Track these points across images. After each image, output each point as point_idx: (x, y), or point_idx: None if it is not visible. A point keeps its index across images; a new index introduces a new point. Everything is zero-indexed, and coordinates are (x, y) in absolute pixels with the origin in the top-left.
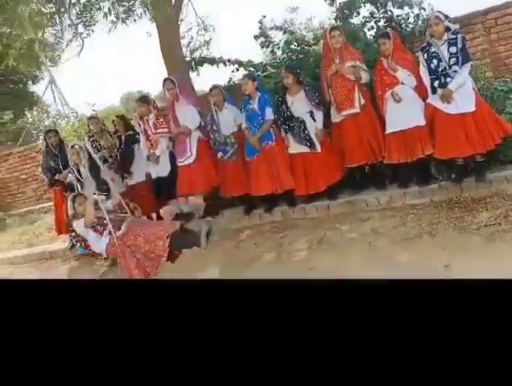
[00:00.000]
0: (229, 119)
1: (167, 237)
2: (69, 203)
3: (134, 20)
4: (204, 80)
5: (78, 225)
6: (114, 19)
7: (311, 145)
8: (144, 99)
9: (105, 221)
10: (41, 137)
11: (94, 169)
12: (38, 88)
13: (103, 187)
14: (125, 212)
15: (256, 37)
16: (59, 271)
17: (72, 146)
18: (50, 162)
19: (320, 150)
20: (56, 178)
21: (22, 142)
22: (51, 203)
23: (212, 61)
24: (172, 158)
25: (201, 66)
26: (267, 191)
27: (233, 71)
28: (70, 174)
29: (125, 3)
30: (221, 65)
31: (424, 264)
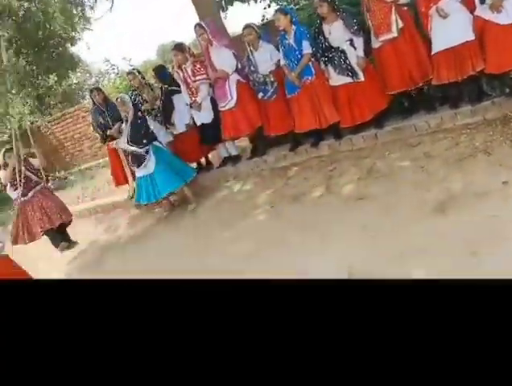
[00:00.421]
0: (265, 57)
1: (41, 231)
2: (0, 155)
3: None
4: (236, 22)
5: (1, 175)
6: None
7: (354, 75)
8: (179, 47)
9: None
10: (88, 97)
11: (137, 122)
12: (76, 50)
13: (143, 141)
14: (41, 178)
15: None
16: (123, 219)
17: (117, 99)
18: (99, 119)
19: (363, 79)
20: (108, 133)
21: (72, 103)
22: (107, 158)
23: None
24: (214, 103)
25: (231, 5)
26: (311, 127)
27: (265, 8)
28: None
29: None
30: (252, 3)
31: (480, 182)
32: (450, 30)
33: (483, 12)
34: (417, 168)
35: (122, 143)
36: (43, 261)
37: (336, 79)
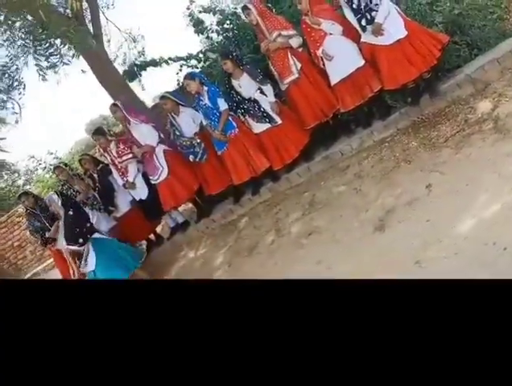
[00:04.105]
0: (187, 121)
1: None
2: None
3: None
4: (154, 87)
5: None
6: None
7: (271, 120)
8: (98, 132)
9: None
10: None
11: (69, 221)
12: None
13: (79, 240)
14: None
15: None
16: None
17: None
18: (35, 222)
19: (280, 122)
20: (47, 236)
21: (5, 210)
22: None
23: (154, 63)
24: (147, 178)
25: (145, 70)
26: (247, 177)
27: (177, 73)
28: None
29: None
30: (166, 68)
31: (409, 190)
32: (341, 63)
33: (368, 38)
34: (352, 190)
35: (60, 244)
36: None
37: (257, 126)
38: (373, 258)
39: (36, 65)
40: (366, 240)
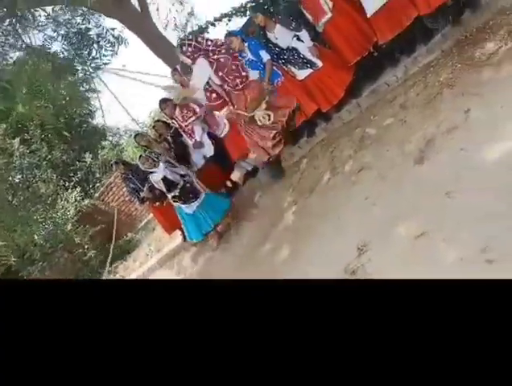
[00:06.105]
0: None
1: None
2: None
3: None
4: None
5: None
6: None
7: (312, 65)
8: (163, 103)
9: None
10: None
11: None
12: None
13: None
14: None
15: None
16: (186, 261)
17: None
18: (130, 185)
19: (321, 64)
20: (141, 195)
21: (110, 170)
22: None
23: (202, 30)
24: (213, 134)
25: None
26: (299, 121)
27: (227, 24)
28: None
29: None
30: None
31: (447, 118)
32: None
33: None
34: (398, 122)
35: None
36: None
37: (300, 73)
38: (413, 192)
39: (82, 70)
40: (407, 173)
